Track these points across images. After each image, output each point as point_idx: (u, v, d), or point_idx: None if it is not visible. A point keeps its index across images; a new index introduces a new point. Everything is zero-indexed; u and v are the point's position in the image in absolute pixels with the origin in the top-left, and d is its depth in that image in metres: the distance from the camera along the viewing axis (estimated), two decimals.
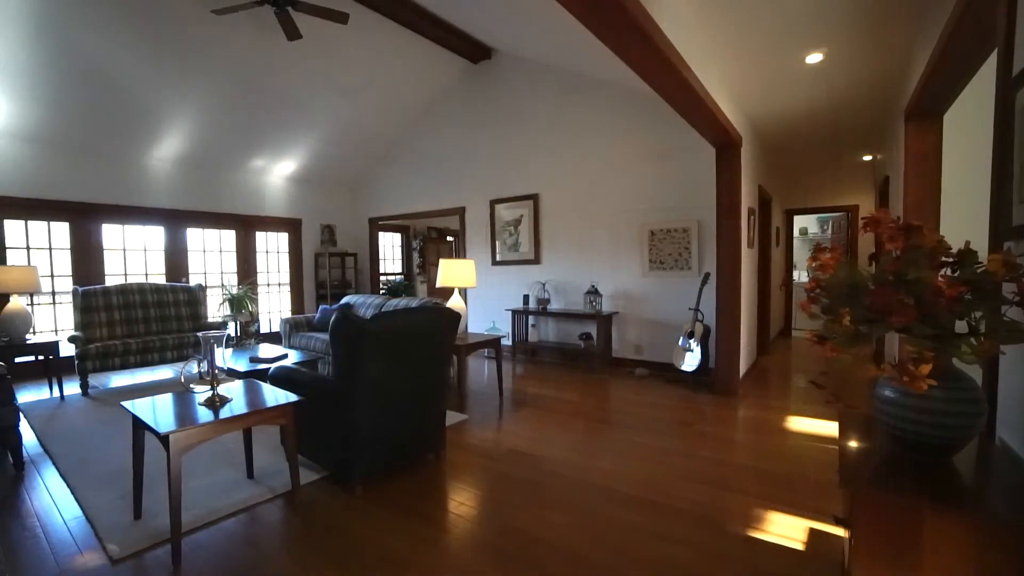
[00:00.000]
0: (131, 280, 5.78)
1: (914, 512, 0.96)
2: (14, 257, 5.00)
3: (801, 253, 8.71)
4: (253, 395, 2.30)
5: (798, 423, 3.41)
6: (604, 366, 5.07)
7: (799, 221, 8.38)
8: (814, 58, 3.33)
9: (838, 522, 1.29)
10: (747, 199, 4.52)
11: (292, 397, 2.27)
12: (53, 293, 5.36)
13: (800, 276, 8.39)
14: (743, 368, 4.49)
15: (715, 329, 4.26)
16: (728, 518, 2.15)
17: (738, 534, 2.03)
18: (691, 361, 4.35)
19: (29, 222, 5.09)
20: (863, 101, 4.19)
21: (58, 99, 4.56)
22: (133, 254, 5.93)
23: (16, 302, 4.24)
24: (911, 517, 0.96)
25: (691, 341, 4.38)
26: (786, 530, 2.04)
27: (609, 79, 4.94)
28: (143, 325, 4.92)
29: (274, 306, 7.39)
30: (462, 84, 6.33)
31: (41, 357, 4.34)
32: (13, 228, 4.99)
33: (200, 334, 2.15)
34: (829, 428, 3.26)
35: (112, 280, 5.66)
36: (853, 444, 1.23)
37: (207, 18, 4.25)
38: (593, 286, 5.10)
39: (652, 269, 4.91)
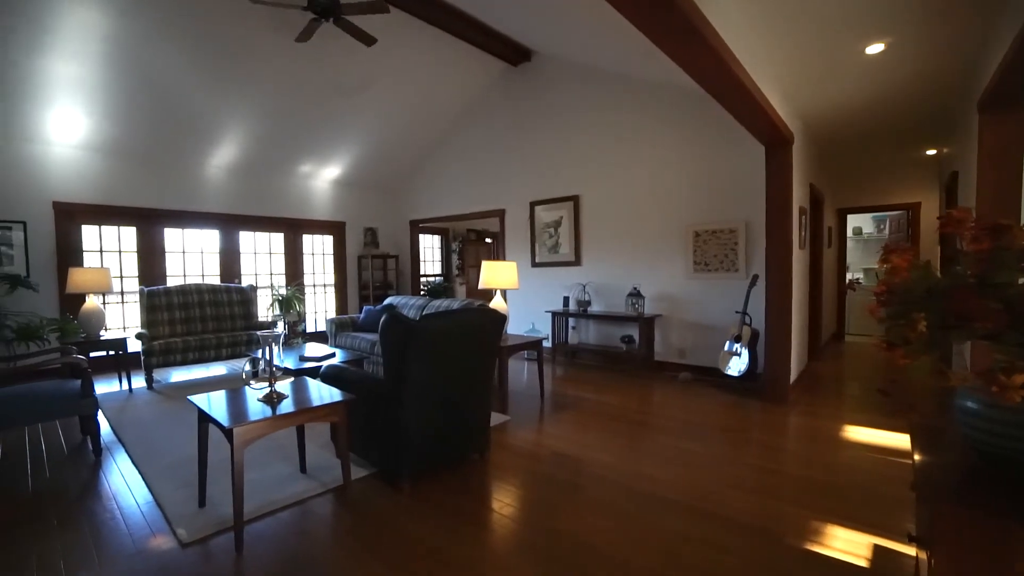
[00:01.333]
0: (189, 281, 6.13)
1: (1005, 533, 0.90)
2: (89, 259, 5.40)
3: (855, 254, 8.29)
4: (307, 393, 2.39)
5: (855, 432, 3.24)
6: (646, 370, 4.98)
7: (853, 220, 7.98)
8: (875, 48, 3.16)
9: (912, 540, 1.21)
10: (798, 198, 4.34)
11: (344, 395, 2.34)
12: (122, 293, 5.74)
13: (857, 279, 7.96)
14: (794, 374, 4.31)
15: (764, 333, 4.10)
16: (782, 529, 2.07)
17: (793, 546, 1.94)
18: (738, 366, 4.21)
19: (102, 227, 5.49)
20: (929, 91, 3.95)
21: (128, 114, 4.90)
22: (191, 256, 6.28)
23: (92, 301, 4.57)
24: (1002, 538, 0.90)
25: (738, 345, 4.24)
26: (847, 545, 1.94)
27: (652, 78, 4.86)
28: (200, 324, 5.20)
29: (319, 306, 7.66)
30: (501, 87, 6.37)
31: (112, 352, 4.66)
32: (89, 233, 5.39)
33: (260, 333, 2.25)
34: (891, 438, 3.08)
35: (172, 281, 6.02)
36: (929, 457, 1.16)
37: (257, 33, 4.46)
38: (635, 288, 5.02)
39: (697, 271, 4.79)
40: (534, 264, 6.17)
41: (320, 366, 3.30)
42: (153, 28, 4.14)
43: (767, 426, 3.41)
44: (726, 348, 4.35)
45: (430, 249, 10.02)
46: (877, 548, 1.92)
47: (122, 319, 5.78)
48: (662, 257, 5.03)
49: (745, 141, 4.16)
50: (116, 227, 5.60)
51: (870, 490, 2.43)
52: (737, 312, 4.34)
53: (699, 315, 4.82)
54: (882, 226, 8.27)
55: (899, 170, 6.52)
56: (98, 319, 4.56)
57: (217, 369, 5.43)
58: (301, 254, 7.33)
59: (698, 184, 4.75)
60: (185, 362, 4.75)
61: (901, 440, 3.05)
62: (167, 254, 6.02)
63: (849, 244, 7.85)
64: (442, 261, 10.29)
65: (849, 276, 7.89)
